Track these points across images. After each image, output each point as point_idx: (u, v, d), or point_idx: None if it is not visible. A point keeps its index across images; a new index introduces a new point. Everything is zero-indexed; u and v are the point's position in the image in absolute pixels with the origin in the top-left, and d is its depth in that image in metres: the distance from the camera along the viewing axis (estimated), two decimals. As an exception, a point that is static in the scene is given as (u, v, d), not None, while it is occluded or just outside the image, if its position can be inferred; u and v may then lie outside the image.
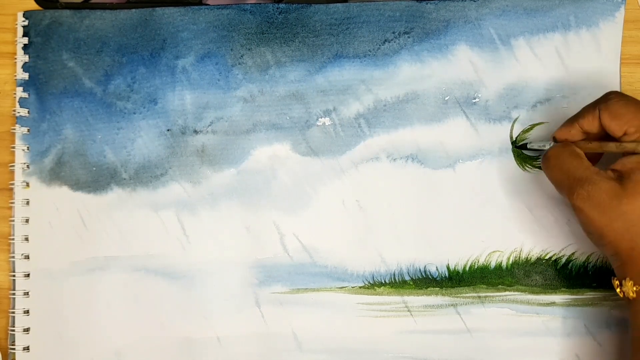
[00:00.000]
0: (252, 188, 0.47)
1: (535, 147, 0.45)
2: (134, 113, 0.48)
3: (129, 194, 0.47)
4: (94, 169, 0.47)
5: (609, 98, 0.39)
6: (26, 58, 0.48)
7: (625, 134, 0.39)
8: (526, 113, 0.47)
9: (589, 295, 0.46)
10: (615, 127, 0.39)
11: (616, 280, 0.39)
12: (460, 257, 0.47)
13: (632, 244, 0.37)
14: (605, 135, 0.40)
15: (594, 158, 0.43)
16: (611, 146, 0.40)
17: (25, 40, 0.48)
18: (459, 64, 0.47)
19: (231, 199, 0.47)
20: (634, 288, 0.37)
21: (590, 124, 0.40)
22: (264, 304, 0.47)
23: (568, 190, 0.38)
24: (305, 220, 0.47)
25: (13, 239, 0.47)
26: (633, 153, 0.38)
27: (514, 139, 0.47)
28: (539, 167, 0.47)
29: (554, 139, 0.42)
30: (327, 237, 0.47)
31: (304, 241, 0.47)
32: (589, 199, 0.37)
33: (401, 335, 0.46)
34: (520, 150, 0.47)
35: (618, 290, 0.39)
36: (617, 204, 0.37)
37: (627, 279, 0.38)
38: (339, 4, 0.48)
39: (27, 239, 0.47)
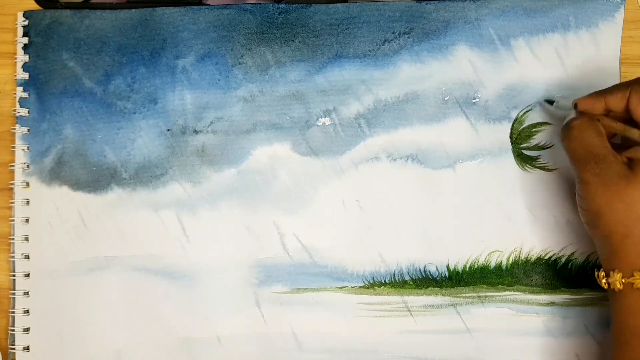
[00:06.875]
0: (252, 188, 0.47)
1: (561, 106, 0.45)
2: (134, 113, 0.48)
3: (129, 193, 0.47)
4: (94, 168, 0.47)
5: None
6: (26, 58, 0.48)
7: None
8: (526, 113, 0.47)
9: (588, 295, 0.46)
10: None
11: (602, 271, 0.39)
12: (460, 257, 0.47)
13: (627, 231, 0.37)
14: (627, 119, 0.40)
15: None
16: (635, 132, 0.40)
17: (26, 40, 0.48)
18: (458, 64, 0.47)
19: (231, 198, 0.47)
20: (623, 280, 0.37)
21: (617, 102, 0.40)
22: (264, 303, 0.47)
23: (582, 163, 0.39)
24: (305, 220, 0.47)
25: (13, 239, 0.47)
26: None
27: (514, 138, 0.47)
28: (539, 167, 0.47)
29: (575, 106, 0.42)
30: (327, 237, 0.47)
31: (304, 241, 0.47)
32: (599, 175, 0.38)
33: (401, 335, 0.46)
34: (520, 150, 0.47)
35: (603, 281, 0.39)
36: (624, 185, 0.37)
37: (616, 270, 0.38)
38: (339, 4, 0.48)
39: (27, 239, 0.47)
